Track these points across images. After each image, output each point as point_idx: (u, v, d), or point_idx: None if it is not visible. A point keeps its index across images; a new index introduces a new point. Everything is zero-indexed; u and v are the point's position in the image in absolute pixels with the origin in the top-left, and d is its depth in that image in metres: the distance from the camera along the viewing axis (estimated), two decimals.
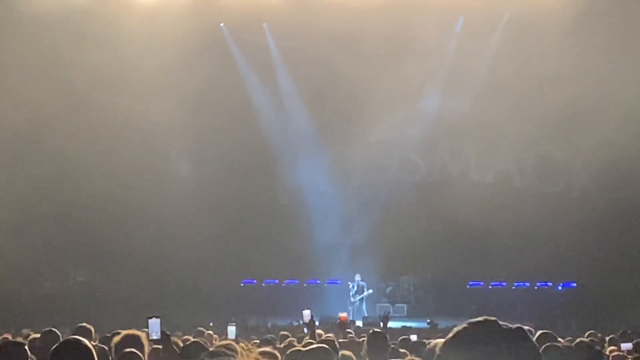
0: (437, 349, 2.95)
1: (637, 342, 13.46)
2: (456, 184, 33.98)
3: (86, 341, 6.39)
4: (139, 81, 31.93)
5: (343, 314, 18.74)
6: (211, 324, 28.69)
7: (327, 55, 33.08)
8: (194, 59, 32.63)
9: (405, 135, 34.92)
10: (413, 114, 34.31)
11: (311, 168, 34.96)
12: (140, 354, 7.85)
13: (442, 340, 3.04)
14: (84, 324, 11.54)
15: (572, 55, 31.89)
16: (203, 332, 17.58)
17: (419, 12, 32.94)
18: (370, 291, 32.41)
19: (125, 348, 7.89)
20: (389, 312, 22.42)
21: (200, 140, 34.10)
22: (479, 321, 2.90)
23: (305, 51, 34.13)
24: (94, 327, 11.77)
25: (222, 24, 35.06)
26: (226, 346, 7.51)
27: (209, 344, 10.78)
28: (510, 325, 2.91)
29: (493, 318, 2.91)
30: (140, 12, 32.53)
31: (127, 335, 8.39)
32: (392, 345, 11.98)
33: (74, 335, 8.53)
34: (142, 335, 8.70)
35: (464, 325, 2.91)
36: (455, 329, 2.93)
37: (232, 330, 15.16)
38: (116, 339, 8.40)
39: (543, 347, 9.39)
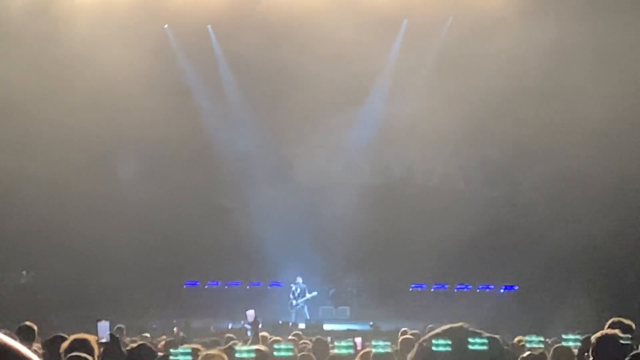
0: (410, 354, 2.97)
1: (586, 338, 13.32)
2: (400, 187, 34.12)
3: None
4: (82, 81, 31.69)
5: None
6: (154, 326, 28.60)
7: (271, 57, 33.08)
8: (138, 60, 32.42)
9: (349, 138, 35.07)
10: (357, 117, 34.45)
11: (255, 171, 34.95)
12: (90, 357, 7.78)
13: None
14: (27, 323, 11.40)
15: (515, 59, 32.22)
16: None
17: (364, 14, 33.08)
18: (315, 293, 32.44)
19: (75, 352, 7.79)
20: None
21: (144, 140, 33.89)
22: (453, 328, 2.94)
23: (250, 53, 34.10)
24: (37, 329, 11.65)
25: (166, 26, 34.89)
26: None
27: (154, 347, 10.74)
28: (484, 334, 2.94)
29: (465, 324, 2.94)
30: (84, 12, 32.19)
31: (75, 340, 8.29)
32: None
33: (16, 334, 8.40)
34: (92, 338, 8.61)
35: (437, 331, 2.94)
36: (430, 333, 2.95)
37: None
38: (65, 344, 8.29)
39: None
